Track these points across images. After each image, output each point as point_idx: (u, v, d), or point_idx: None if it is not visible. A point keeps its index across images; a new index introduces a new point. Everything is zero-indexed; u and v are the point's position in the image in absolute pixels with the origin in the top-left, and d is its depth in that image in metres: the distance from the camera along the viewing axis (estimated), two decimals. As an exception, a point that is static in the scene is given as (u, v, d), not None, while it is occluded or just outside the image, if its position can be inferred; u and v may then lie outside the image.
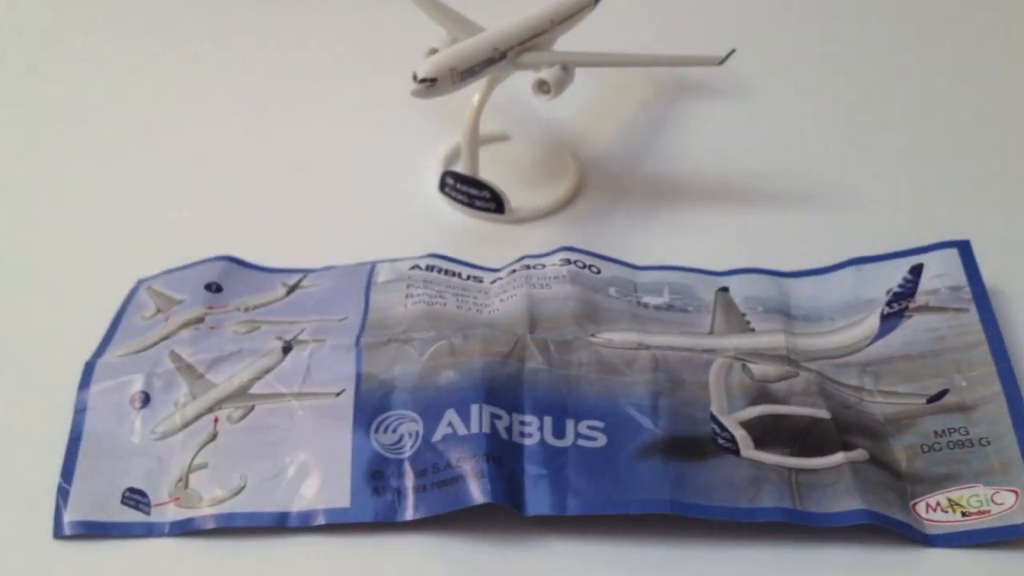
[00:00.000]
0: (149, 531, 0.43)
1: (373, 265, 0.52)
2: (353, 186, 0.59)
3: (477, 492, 0.42)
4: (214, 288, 0.51)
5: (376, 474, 0.43)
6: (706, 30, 0.69)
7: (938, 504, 0.43)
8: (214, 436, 0.45)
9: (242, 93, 0.65)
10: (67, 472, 0.44)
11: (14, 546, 0.42)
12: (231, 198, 0.58)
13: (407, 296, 0.49)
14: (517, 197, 0.56)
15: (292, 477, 0.43)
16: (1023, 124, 0.62)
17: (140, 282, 0.52)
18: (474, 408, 0.44)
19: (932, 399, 0.46)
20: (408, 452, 0.43)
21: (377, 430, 0.44)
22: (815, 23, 0.70)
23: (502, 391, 0.45)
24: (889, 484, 0.43)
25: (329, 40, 0.69)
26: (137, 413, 0.46)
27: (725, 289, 0.51)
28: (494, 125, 0.60)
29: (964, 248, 0.51)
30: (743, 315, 0.50)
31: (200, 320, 0.49)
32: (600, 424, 0.44)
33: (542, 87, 0.53)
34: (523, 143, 0.61)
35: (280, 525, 0.43)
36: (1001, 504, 0.42)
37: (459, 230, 0.56)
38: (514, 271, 0.51)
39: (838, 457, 0.43)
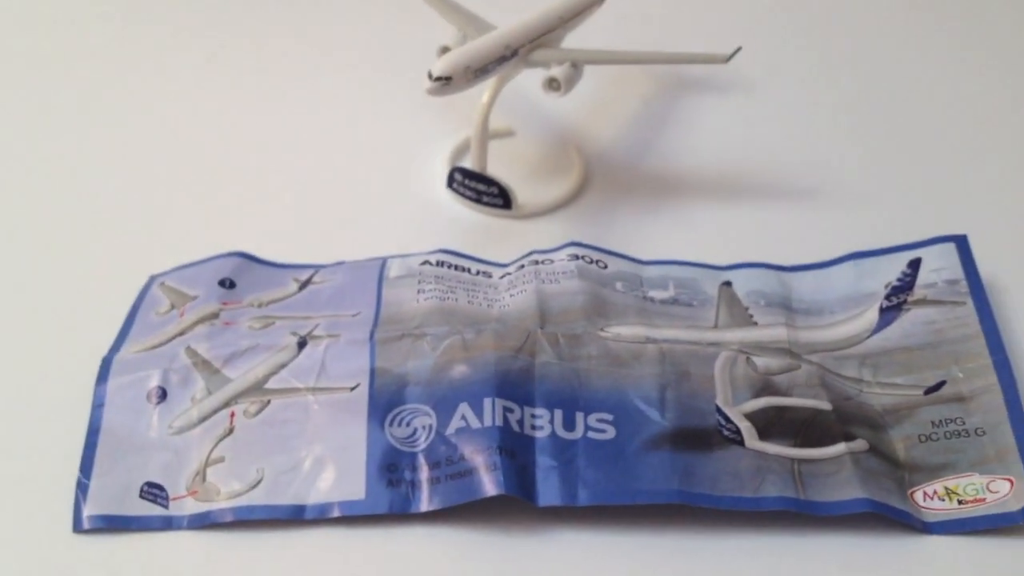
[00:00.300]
0: (167, 524, 0.43)
1: (384, 260, 0.52)
2: (363, 182, 0.59)
3: (490, 484, 0.42)
4: (228, 284, 0.51)
5: (390, 467, 0.44)
6: (708, 27, 0.69)
7: (935, 492, 0.44)
8: (231, 430, 0.45)
9: (255, 92, 0.65)
10: (86, 467, 0.44)
11: (35, 540, 0.43)
12: (243, 195, 0.58)
13: (419, 291, 0.50)
14: (524, 193, 0.57)
15: (308, 470, 0.44)
16: (1019, 123, 0.63)
17: (153, 278, 0.52)
18: (486, 402, 0.44)
19: (930, 390, 0.47)
20: (422, 445, 0.44)
21: (391, 424, 0.45)
22: (816, 22, 0.70)
23: (514, 385, 0.45)
24: (888, 473, 0.44)
25: (341, 39, 0.69)
26: (154, 408, 0.46)
27: (728, 283, 0.52)
28: (501, 121, 0.60)
29: (961, 243, 0.51)
30: (746, 309, 0.50)
31: (215, 316, 0.49)
32: (609, 417, 0.45)
33: (552, 84, 0.54)
34: (529, 139, 0.61)
35: (296, 518, 0.43)
36: (996, 492, 0.43)
37: (467, 225, 0.56)
38: (522, 266, 0.52)
39: (839, 447, 0.44)
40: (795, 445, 0.44)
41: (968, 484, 0.44)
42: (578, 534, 0.43)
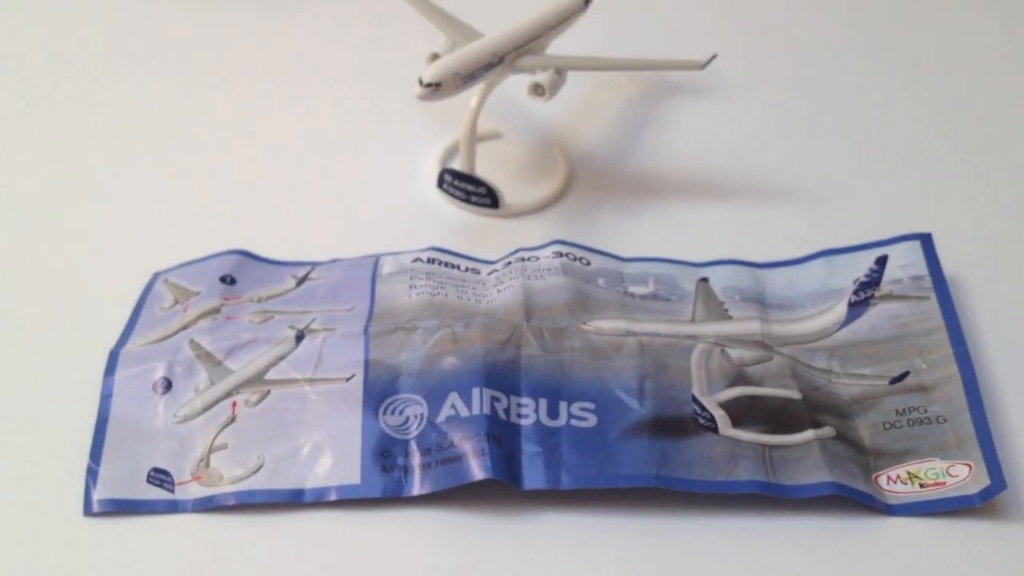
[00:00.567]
0: (173, 508, 0.44)
1: (378, 258, 0.53)
2: (357, 183, 0.60)
3: (478, 469, 0.43)
4: (228, 280, 0.52)
5: (384, 453, 0.45)
6: (688, 34, 0.70)
7: (898, 477, 0.45)
8: (233, 419, 0.46)
9: (254, 97, 0.66)
10: (95, 454, 0.45)
11: (48, 523, 0.44)
12: (242, 195, 0.59)
13: (411, 287, 0.51)
14: (511, 193, 0.57)
15: (306, 456, 0.45)
16: (982, 127, 0.64)
17: (157, 275, 0.53)
18: (475, 391, 0.45)
19: (894, 380, 0.48)
20: (414, 433, 0.45)
21: (385, 412, 0.46)
22: (789, 29, 0.71)
23: (501, 376, 0.46)
24: (854, 459, 0.45)
25: (338, 47, 0.69)
26: (160, 398, 0.47)
27: (705, 279, 0.53)
28: (488, 124, 0.61)
29: (926, 240, 0.52)
30: (722, 303, 0.52)
31: (217, 311, 0.51)
32: (591, 405, 0.46)
33: (537, 90, 0.55)
34: (516, 141, 0.62)
35: (296, 501, 0.44)
36: (956, 476, 0.44)
37: (457, 224, 0.57)
38: (509, 263, 0.53)
39: (808, 434, 0.45)
40: (766, 432, 0.45)
41: (929, 469, 0.45)
42: (561, 516, 0.44)
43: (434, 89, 0.52)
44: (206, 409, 0.47)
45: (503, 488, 0.44)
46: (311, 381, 0.47)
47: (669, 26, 0.71)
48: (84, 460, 0.45)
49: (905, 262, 0.52)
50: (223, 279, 0.52)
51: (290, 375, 0.47)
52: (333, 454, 0.45)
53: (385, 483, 0.44)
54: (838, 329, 0.50)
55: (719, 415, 0.46)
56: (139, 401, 0.47)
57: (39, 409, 0.48)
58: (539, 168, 0.61)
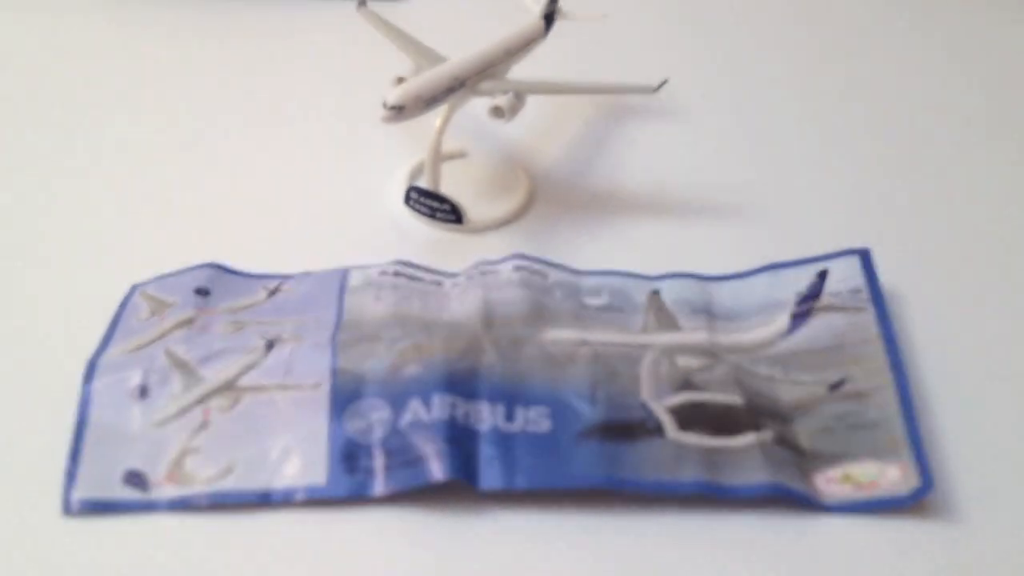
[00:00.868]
0: (148, 508, 0.45)
1: (346, 271, 0.55)
2: (328, 200, 0.61)
3: (438, 470, 0.44)
4: (203, 292, 0.53)
5: (349, 456, 0.45)
6: (643, 59, 0.72)
7: (835, 478, 0.46)
8: (205, 424, 0.47)
9: (229, 117, 0.67)
10: (74, 456, 0.46)
11: (28, 522, 0.44)
12: (217, 211, 0.60)
13: (377, 299, 0.52)
14: (474, 209, 0.59)
15: (275, 459, 0.46)
16: (919, 148, 0.66)
17: (134, 287, 0.54)
18: (435, 397, 0.46)
19: (832, 387, 0.49)
20: (378, 436, 0.46)
21: (350, 417, 0.47)
22: (736, 55, 0.73)
23: (460, 383, 0.47)
24: (793, 460, 0.46)
25: (307, 67, 0.70)
26: (136, 404, 0.48)
27: (657, 292, 0.54)
28: (453, 144, 0.62)
29: (864, 256, 0.54)
30: (672, 315, 0.53)
31: (191, 321, 0.52)
32: (546, 411, 0.47)
33: (497, 112, 0.56)
34: (480, 160, 0.64)
35: (265, 501, 0.45)
36: (888, 477, 0.45)
37: (422, 239, 0.58)
38: (471, 276, 0.54)
39: (749, 438, 0.46)
40: (710, 435, 0.46)
41: (863, 470, 0.46)
42: (516, 515, 0.45)
43: (398, 111, 0.53)
44: (180, 414, 0.48)
45: (462, 489, 0.45)
46: (280, 388, 0.48)
47: (624, 51, 0.72)
48: (63, 462, 0.46)
49: (844, 276, 0.53)
50: (198, 291, 0.53)
51: (260, 383, 0.48)
52: (301, 457, 0.46)
53: (350, 484, 0.45)
54: (781, 339, 0.51)
55: (666, 420, 0.47)
56: (116, 406, 0.48)
57: (21, 415, 0.49)
58: (502, 185, 0.62)
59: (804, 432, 0.48)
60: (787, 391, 0.49)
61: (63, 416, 0.48)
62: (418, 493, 0.45)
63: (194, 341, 0.51)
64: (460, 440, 0.46)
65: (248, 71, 0.71)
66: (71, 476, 0.46)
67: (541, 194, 0.62)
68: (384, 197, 0.61)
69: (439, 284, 0.55)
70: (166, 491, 0.46)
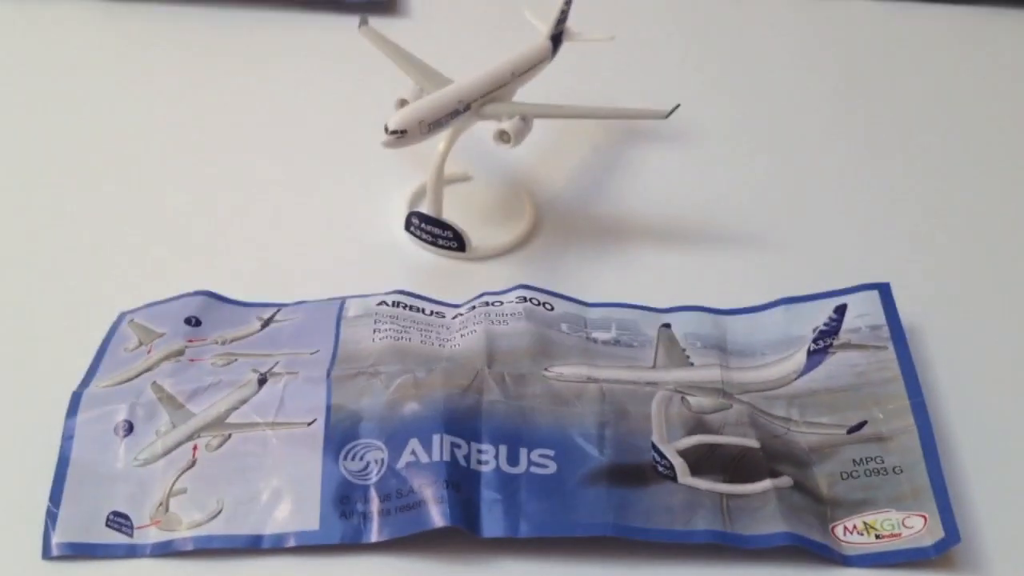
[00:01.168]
0: (132, 552, 0.44)
1: (343, 301, 0.53)
2: (325, 225, 0.60)
3: (437, 516, 0.43)
4: (193, 322, 0.52)
5: (344, 499, 0.45)
6: (654, 83, 0.70)
7: (855, 527, 0.45)
8: (193, 463, 0.46)
9: (224, 140, 0.66)
10: (55, 496, 0.45)
11: (5, 567, 0.43)
12: (210, 236, 0.59)
13: (375, 331, 0.51)
14: (477, 236, 0.58)
15: (265, 502, 0.45)
16: (940, 180, 0.65)
17: (123, 315, 0.53)
18: (435, 437, 0.45)
19: (852, 430, 0.48)
20: (374, 478, 0.45)
21: (345, 458, 0.46)
22: (752, 81, 0.72)
23: (461, 422, 0.46)
24: (811, 508, 0.45)
25: (304, 89, 0.69)
26: (121, 441, 0.47)
27: (667, 325, 0.53)
28: (456, 167, 0.61)
29: (884, 290, 0.53)
30: (683, 350, 0.52)
31: (180, 353, 0.51)
32: (551, 452, 0.46)
33: (503, 137, 0.55)
34: (483, 185, 0.63)
35: (254, 547, 0.44)
36: (911, 528, 0.45)
37: (423, 267, 0.57)
38: (474, 307, 0.53)
39: (765, 484, 0.45)
40: (724, 481, 0.46)
41: (885, 520, 0.45)
42: (519, 564, 0.44)
43: (399, 136, 0.52)
44: (167, 452, 0.47)
45: (461, 535, 0.44)
46: (272, 425, 0.47)
47: (635, 75, 0.71)
48: (44, 503, 0.45)
49: (863, 311, 0.52)
50: (188, 320, 0.53)
51: (252, 419, 0.47)
52: (292, 499, 0.45)
53: (344, 529, 0.44)
54: (797, 377, 0.51)
55: (678, 463, 0.46)
56: (100, 444, 0.47)
57: (1, 448, 0.48)
58: (506, 212, 0.61)
59: (823, 478, 0.47)
60: (804, 433, 0.49)
61: (45, 452, 0.47)
62: (415, 539, 0.44)
63: (183, 374, 0.50)
64: (461, 484, 0.45)
65: (244, 92, 0.70)
66: (52, 517, 0.45)
67: (547, 221, 0.61)
68: (384, 222, 0.60)
69: (440, 316, 0.54)
70: (150, 535, 0.45)
